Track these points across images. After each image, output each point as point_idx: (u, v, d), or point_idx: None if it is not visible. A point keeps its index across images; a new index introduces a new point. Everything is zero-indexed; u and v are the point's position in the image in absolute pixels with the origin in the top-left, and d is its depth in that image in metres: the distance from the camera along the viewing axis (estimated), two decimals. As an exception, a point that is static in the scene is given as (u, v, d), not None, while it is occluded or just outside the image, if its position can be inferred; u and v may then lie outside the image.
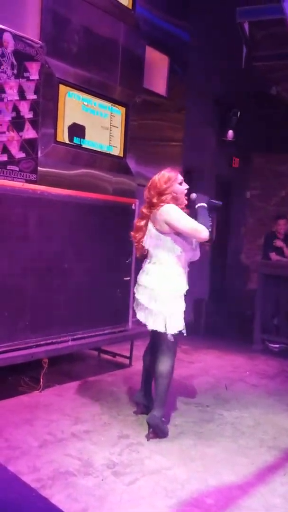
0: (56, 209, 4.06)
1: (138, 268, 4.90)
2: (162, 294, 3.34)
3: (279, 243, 6.50)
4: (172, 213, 3.30)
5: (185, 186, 3.45)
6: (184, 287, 3.39)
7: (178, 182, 3.41)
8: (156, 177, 3.44)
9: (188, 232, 3.30)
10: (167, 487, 2.68)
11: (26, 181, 4.35)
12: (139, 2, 5.81)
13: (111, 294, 4.66)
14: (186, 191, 3.45)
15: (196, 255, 3.56)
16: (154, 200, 3.38)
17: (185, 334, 3.41)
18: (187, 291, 3.41)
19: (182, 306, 3.37)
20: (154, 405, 3.41)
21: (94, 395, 4.02)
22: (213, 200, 3.53)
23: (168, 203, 3.35)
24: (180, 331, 3.35)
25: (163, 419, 3.42)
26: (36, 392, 3.95)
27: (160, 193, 3.37)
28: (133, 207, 4.84)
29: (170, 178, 3.39)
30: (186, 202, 3.47)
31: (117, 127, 5.68)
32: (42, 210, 3.94)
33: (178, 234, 3.35)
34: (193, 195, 3.52)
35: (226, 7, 6.29)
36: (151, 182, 3.46)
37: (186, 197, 3.46)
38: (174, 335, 3.35)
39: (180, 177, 3.44)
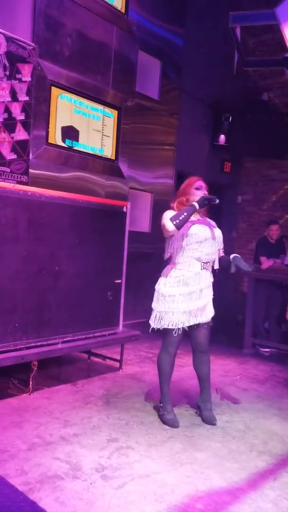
0: (47, 211, 4.04)
1: (129, 271, 4.91)
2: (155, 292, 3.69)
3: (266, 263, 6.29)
4: (163, 215, 3.51)
5: (201, 192, 3.57)
6: (165, 290, 3.58)
7: (194, 187, 3.58)
8: None
9: (162, 230, 3.52)
10: (156, 492, 2.66)
11: (17, 183, 4.33)
12: (132, 7, 5.83)
13: (102, 297, 4.64)
14: (201, 194, 3.56)
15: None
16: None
17: (176, 335, 3.60)
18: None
19: (163, 305, 3.57)
20: None
21: (83, 398, 4.00)
22: (206, 196, 3.54)
23: (172, 208, 3.57)
24: (158, 328, 3.60)
25: (160, 404, 3.66)
26: (25, 394, 3.92)
27: (176, 196, 3.67)
28: (124, 209, 4.82)
29: (188, 183, 3.62)
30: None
31: (109, 130, 5.68)
32: (33, 212, 3.91)
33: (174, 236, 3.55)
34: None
35: (220, 13, 6.32)
36: None
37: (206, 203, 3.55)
38: (164, 331, 3.61)
39: (198, 183, 3.60)
